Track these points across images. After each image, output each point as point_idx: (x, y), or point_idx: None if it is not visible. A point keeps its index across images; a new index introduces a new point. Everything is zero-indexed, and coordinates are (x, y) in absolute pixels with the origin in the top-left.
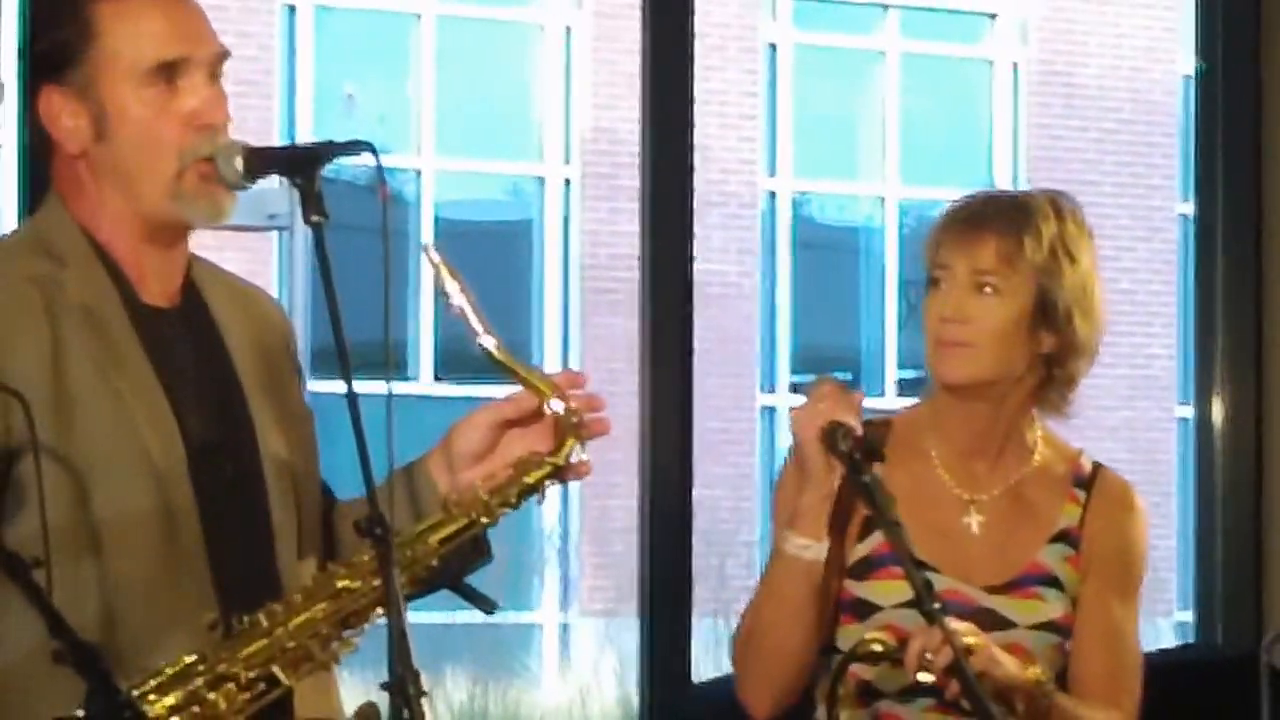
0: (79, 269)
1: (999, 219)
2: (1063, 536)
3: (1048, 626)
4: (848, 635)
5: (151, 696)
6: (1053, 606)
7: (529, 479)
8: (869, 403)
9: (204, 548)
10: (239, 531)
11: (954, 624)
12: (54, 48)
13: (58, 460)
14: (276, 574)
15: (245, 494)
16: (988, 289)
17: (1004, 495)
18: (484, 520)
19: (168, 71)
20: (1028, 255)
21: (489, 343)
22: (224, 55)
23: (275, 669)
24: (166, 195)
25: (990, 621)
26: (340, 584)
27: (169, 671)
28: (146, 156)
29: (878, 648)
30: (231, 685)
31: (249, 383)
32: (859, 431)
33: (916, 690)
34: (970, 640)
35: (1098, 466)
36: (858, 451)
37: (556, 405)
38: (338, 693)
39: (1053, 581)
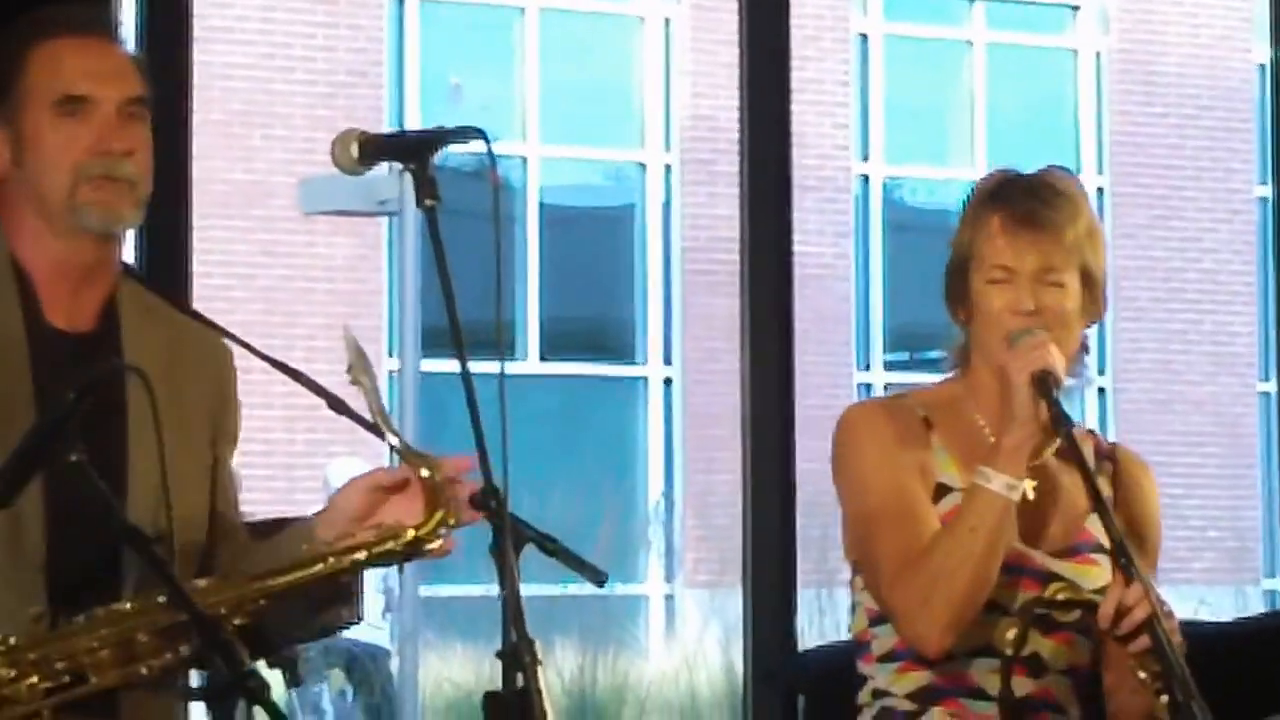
0: None
1: (1049, 212)
2: None
3: (1104, 592)
4: None
5: None
6: (1105, 572)
7: (380, 547)
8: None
9: (44, 549)
10: (86, 541)
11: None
12: None
13: None
14: (119, 585)
15: (102, 509)
16: (1052, 283)
17: (1048, 463)
18: (320, 570)
19: (76, 105)
20: (1077, 242)
21: (382, 422)
22: (140, 99)
23: (87, 668)
24: (65, 207)
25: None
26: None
27: None
28: (52, 176)
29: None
30: (36, 675)
31: (138, 411)
32: (1065, 383)
33: (987, 651)
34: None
35: (1112, 442)
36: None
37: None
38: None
39: (1101, 549)
